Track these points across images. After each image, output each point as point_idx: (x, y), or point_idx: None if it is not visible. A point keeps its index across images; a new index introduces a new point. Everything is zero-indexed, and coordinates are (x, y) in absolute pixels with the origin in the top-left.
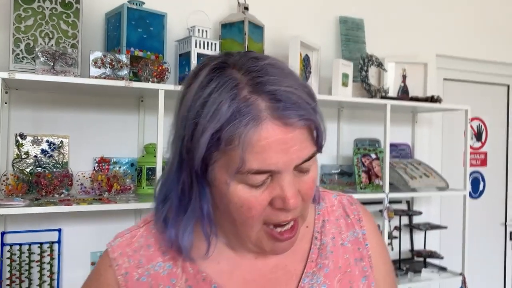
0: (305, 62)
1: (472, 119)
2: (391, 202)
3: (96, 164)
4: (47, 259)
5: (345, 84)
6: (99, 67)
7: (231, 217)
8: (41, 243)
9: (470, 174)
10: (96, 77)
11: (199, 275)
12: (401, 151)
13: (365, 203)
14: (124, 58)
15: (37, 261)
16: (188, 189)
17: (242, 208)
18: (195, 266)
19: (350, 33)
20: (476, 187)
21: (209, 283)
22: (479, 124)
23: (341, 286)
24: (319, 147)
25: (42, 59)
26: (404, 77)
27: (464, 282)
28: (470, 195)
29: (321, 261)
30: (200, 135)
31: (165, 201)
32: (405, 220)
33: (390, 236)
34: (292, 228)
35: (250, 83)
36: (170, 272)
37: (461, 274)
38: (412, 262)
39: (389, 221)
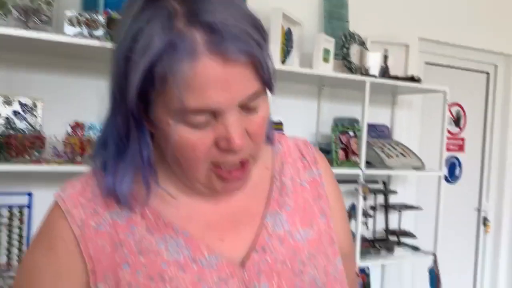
0: (287, 36)
1: (451, 105)
2: (367, 181)
3: (71, 129)
4: (16, 223)
5: (326, 59)
6: (74, 25)
7: (176, 158)
8: (11, 206)
9: (448, 159)
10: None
11: (160, 221)
12: (380, 133)
13: (342, 180)
14: (100, 18)
15: (5, 225)
16: (125, 133)
17: (186, 149)
18: (154, 212)
19: (334, 11)
20: (453, 172)
21: (171, 227)
22: (458, 110)
23: (303, 223)
24: (266, 84)
25: (14, 14)
26: (385, 57)
27: (435, 261)
28: (447, 180)
29: (283, 199)
30: (131, 73)
31: (104, 147)
32: (380, 199)
33: (366, 214)
34: (242, 166)
35: (186, 14)
36: (129, 219)
37: (433, 253)
38: (386, 241)
39: (364, 198)
